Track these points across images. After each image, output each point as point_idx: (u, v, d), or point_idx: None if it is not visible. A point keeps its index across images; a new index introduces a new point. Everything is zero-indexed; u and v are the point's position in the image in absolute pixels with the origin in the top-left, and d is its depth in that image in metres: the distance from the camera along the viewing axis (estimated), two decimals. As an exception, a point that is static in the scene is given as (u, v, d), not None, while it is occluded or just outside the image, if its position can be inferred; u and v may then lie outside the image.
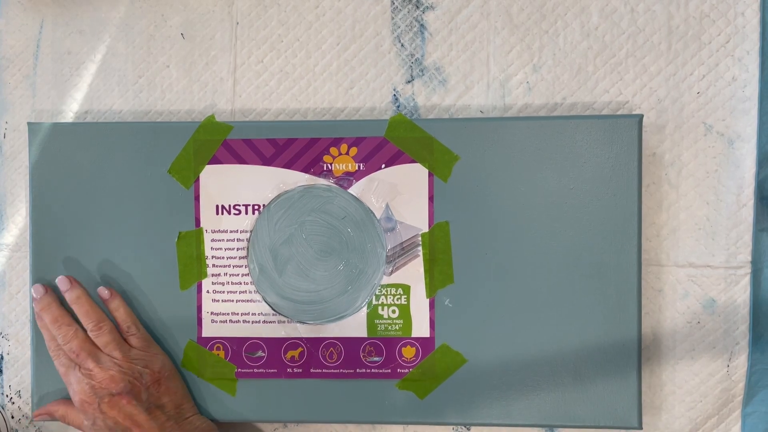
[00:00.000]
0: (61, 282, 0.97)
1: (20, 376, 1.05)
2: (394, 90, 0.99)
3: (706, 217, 0.95)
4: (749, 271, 0.95)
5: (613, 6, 0.96)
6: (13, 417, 1.05)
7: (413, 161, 0.93)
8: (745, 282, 0.95)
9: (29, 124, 0.98)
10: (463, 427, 1.00)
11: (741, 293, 0.95)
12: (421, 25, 0.99)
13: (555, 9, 0.97)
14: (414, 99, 0.99)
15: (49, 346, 0.96)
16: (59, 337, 0.95)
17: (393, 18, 0.99)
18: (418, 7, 0.99)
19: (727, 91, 0.95)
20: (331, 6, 1.00)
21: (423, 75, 0.99)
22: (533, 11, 0.97)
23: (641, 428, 0.93)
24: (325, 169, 0.95)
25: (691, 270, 0.96)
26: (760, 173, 0.95)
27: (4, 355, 1.05)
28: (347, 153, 0.94)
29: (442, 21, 0.98)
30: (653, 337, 0.96)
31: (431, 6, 0.98)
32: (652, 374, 0.97)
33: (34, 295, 0.97)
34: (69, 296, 0.97)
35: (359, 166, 0.94)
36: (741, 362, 0.95)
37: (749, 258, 0.95)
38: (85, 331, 0.95)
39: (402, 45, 0.99)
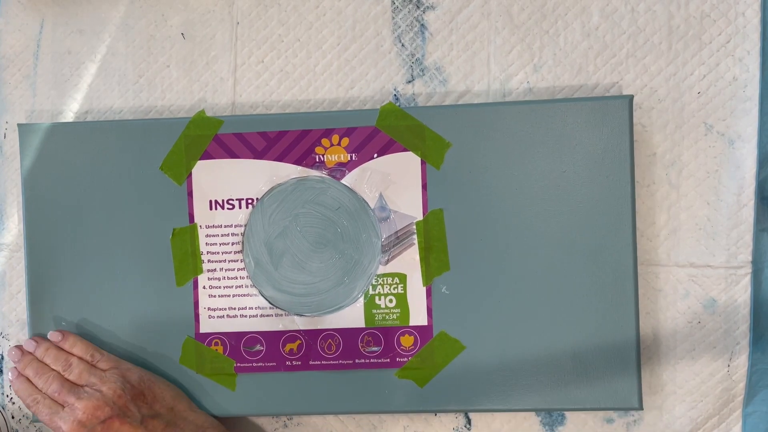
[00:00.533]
0: (27, 344, 0.98)
1: (20, 377, 1.05)
2: (395, 90, 0.99)
3: (706, 217, 0.95)
4: (750, 271, 0.95)
5: (613, 6, 0.96)
6: (13, 417, 1.05)
7: (405, 150, 0.93)
8: (746, 282, 0.95)
9: (19, 125, 0.99)
10: (462, 415, 1.00)
11: (741, 293, 0.95)
12: (422, 25, 0.99)
13: (555, 9, 0.97)
14: (415, 99, 0.99)
15: (28, 404, 0.95)
16: (42, 384, 0.95)
17: (393, 18, 0.99)
18: (418, 7, 0.99)
19: (728, 91, 0.95)
20: (331, 6, 1.00)
21: (423, 75, 0.99)
22: (534, 11, 0.97)
23: (642, 408, 0.93)
24: (317, 160, 0.95)
25: (692, 270, 0.95)
26: (760, 173, 0.95)
27: (4, 355, 1.05)
28: (339, 143, 0.94)
29: (442, 21, 0.98)
30: (654, 337, 0.96)
31: (432, 6, 0.98)
32: (652, 374, 0.96)
33: (14, 360, 0.98)
34: (39, 352, 0.98)
35: (351, 157, 0.94)
36: (742, 362, 0.95)
37: (750, 258, 0.95)
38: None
39: (402, 45, 0.99)
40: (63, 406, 0.92)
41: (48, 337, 0.98)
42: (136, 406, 0.92)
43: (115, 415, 0.90)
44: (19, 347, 0.99)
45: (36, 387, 0.95)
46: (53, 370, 0.96)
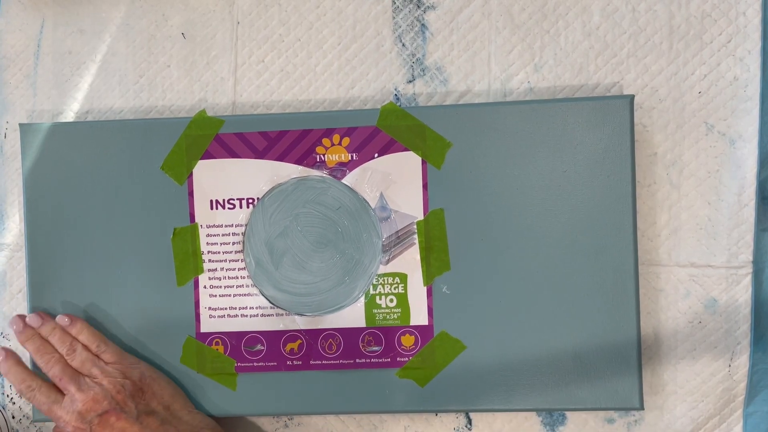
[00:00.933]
0: (32, 319, 0.97)
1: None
2: (396, 90, 0.99)
3: (707, 216, 0.95)
4: (751, 270, 0.95)
5: (614, 5, 0.96)
6: (14, 417, 1.05)
7: (406, 149, 0.93)
8: (747, 282, 0.95)
9: (21, 125, 0.99)
10: (463, 415, 1.00)
11: (742, 293, 0.95)
12: (423, 25, 0.99)
13: (556, 8, 0.97)
14: (415, 99, 0.99)
15: (21, 390, 0.95)
16: (43, 365, 0.94)
17: (394, 18, 0.99)
18: (419, 7, 0.99)
19: (729, 90, 0.95)
20: (332, 6, 1.00)
21: (424, 75, 0.99)
22: (534, 11, 0.97)
23: (643, 408, 0.93)
24: (318, 160, 0.95)
25: (693, 270, 0.95)
26: (761, 173, 0.95)
27: (3, 355, 1.05)
28: (340, 143, 0.94)
29: (443, 21, 0.98)
30: (655, 337, 0.96)
31: (432, 6, 0.98)
32: (653, 374, 0.96)
33: (15, 329, 0.97)
34: (44, 330, 0.97)
35: (352, 156, 0.94)
36: (743, 362, 0.95)
37: (751, 258, 0.95)
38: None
39: (403, 45, 0.99)
40: (63, 394, 0.92)
41: (56, 320, 0.97)
42: (134, 401, 0.92)
43: (112, 409, 0.90)
44: (21, 317, 0.98)
45: (28, 373, 0.95)
46: (55, 350, 0.95)
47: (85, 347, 0.96)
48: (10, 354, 0.97)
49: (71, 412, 0.91)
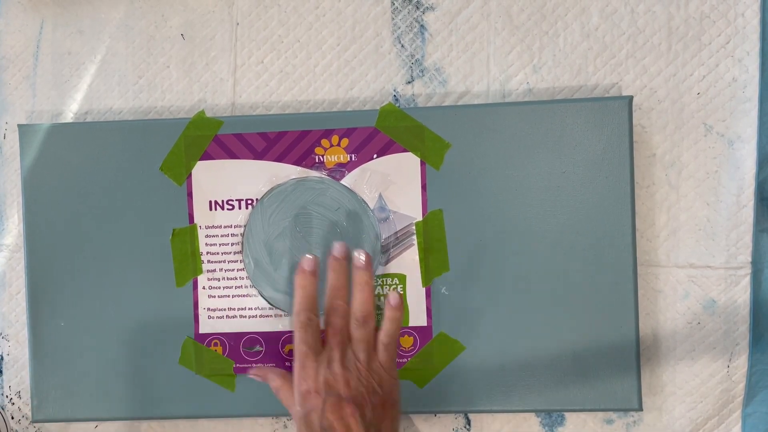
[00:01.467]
0: (360, 254, 0.92)
1: (20, 377, 1.05)
2: (395, 91, 0.99)
3: (706, 217, 0.95)
4: (749, 271, 0.95)
5: (613, 7, 0.96)
6: (13, 417, 1.05)
7: (405, 150, 0.93)
8: (746, 283, 0.95)
9: (20, 126, 0.99)
10: (462, 415, 1.00)
11: (741, 294, 0.95)
12: (422, 26, 0.99)
13: (555, 10, 0.97)
14: (414, 100, 0.99)
15: (299, 310, 0.89)
16: (333, 306, 0.90)
17: (393, 19, 0.99)
18: (418, 8, 0.99)
19: (728, 91, 0.95)
20: (331, 7, 1.00)
21: (423, 76, 0.99)
22: (533, 12, 0.97)
23: (641, 409, 0.93)
24: (317, 161, 0.95)
25: (692, 271, 0.95)
26: (760, 174, 0.94)
27: (4, 355, 1.05)
28: (338, 144, 0.94)
29: (442, 22, 0.98)
30: (653, 338, 0.96)
31: (431, 7, 0.98)
32: (652, 375, 0.96)
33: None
34: (362, 275, 0.92)
35: (351, 157, 0.94)
36: (741, 363, 0.95)
37: (749, 259, 0.95)
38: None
39: (402, 46, 0.99)
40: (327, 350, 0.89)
41: (388, 295, 0.92)
42: (373, 412, 0.86)
43: (353, 401, 0.85)
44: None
45: (315, 305, 0.90)
46: (346, 301, 0.91)
47: (373, 331, 0.91)
48: (311, 278, 0.91)
49: (321, 375, 0.87)
